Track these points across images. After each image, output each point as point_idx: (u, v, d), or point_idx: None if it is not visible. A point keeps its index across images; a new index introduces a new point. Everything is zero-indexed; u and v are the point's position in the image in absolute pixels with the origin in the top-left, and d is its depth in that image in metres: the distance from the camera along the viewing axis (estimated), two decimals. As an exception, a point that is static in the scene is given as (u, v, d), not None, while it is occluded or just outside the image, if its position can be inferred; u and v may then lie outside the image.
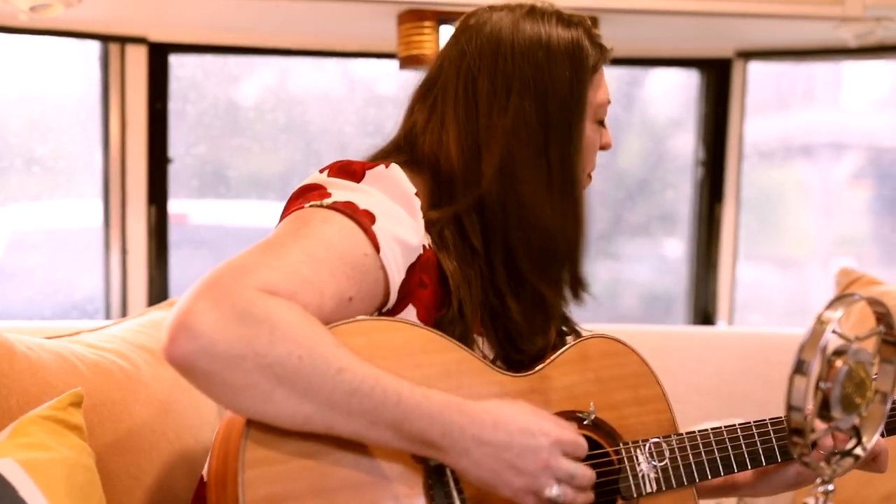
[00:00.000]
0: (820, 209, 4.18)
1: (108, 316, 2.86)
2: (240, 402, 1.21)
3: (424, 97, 1.56)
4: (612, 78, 3.32)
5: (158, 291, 2.83)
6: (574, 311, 1.63)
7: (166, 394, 1.82)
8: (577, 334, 1.64)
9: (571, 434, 1.34)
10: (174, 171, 2.95)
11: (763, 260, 4.15)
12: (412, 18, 2.41)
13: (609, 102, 1.59)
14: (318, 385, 1.20)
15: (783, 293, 4.07)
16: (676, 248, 3.44)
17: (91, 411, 1.64)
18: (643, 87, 3.51)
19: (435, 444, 1.26)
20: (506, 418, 1.29)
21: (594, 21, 2.47)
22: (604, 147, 1.61)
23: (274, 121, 3.23)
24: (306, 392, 1.20)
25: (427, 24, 2.39)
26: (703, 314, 3.09)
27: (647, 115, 3.58)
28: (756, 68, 3.26)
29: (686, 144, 3.25)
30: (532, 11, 1.55)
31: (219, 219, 3.35)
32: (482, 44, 1.53)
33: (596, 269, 3.63)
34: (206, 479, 1.41)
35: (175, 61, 2.91)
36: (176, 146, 2.96)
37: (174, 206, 2.97)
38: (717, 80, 3.01)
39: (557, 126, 1.49)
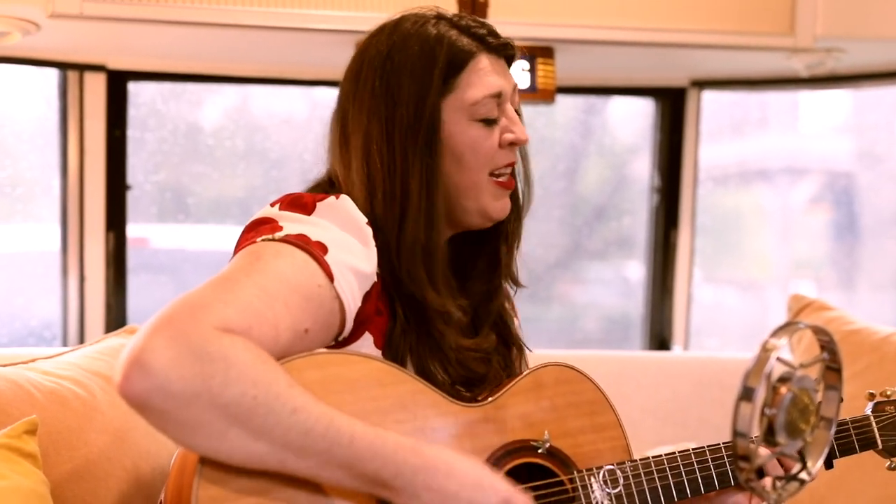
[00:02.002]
0: (779, 233, 4.23)
1: (65, 343, 2.84)
2: (193, 441, 1.21)
3: (329, 125, 1.58)
4: (569, 107, 3.38)
5: (116, 318, 2.82)
6: (532, 334, 1.64)
7: (122, 421, 1.81)
8: (521, 351, 1.65)
9: (522, 497, 1.34)
10: (135, 197, 2.95)
11: (723, 284, 4.19)
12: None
13: (497, 95, 1.51)
14: (272, 425, 1.20)
15: (743, 316, 4.11)
16: (636, 272, 3.47)
17: (46, 439, 1.64)
18: (604, 114, 3.54)
19: (387, 484, 1.26)
20: (459, 470, 1.30)
21: (548, 51, 2.51)
22: (512, 143, 1.54)
23: (234, 146, 3.23)
24: (260, 432, 1.20)
25: (384, 52, 2.40)
26: (660, 339, 3.12)
27: (607, 141, 3.61)
28: (716, 96, 3.30)
29: (645, 170, 3.29)
30: (404, 19, 1.53)
31: (179, 243, 3.35)
32: (352, 66, 1.54)
33: (556, 293, 3.66)
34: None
35: (135, 87, 2.92)
36: (137, 172, 2.96)
37: (134, 230, 2.97)
38: (672, 108, 3.05)
39: (400, 133, 1.47)
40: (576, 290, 3.76)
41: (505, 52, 1.55)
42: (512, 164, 1.56)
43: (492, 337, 1.58)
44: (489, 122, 1.51)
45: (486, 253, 1.62)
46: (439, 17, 1.53)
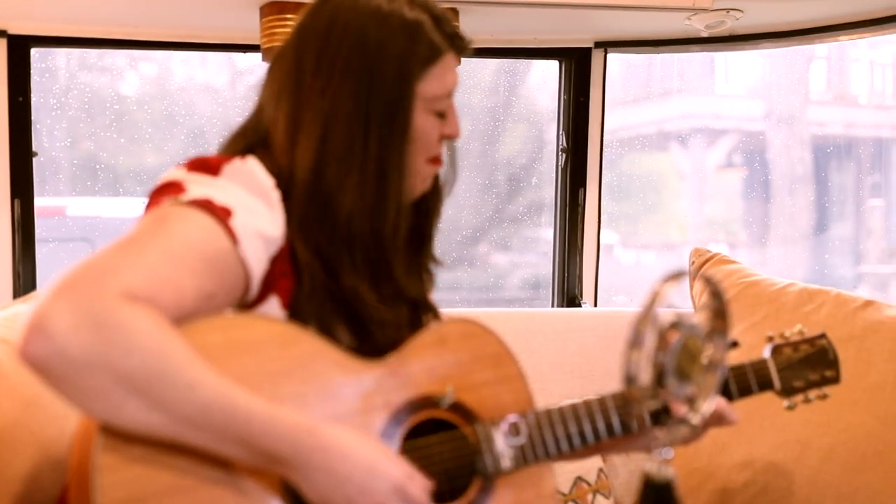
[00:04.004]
0: (695, 195, 4.31)
1: (-27, 312, 2.81)
2: (91, 407, 1.21)
3: (269, 74, 1.57)
4: (485, 67, 3.39)
5: (24, 285, 2.79)
6: (453, 298, 1.67)
7: (29, 387, 1.80)
8: (438, 317, 1.67)
9: (417, 488, 1.36)
10: (47, 166, 2.91)
11: (641, 246, 4.27)
12: (274, 10, 2.41)
13: (450, 95, 1.57)
14: (170, 398, 1.21)
15: (657, 277, 4.19)
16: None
17: (-51, 406, 1.63)
18: (524, 78, 3.57)
19: (282, 461, 1.28)
20: (354, 453, 1.32)
21: (454, 12, 2.51)
22: (449, 137, 1.59)
23: (152, 113, 3.21)
24: (157, 403, 1.21)
25: (289, 15, 2.38)
26: (570, 297, 3.16)
27: (526, 105, 3.63)
28: (630, 58, 3.33)
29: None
30: None
31: (95, 211, 3.32)
32: (318, 20, 1.52)
33: (475, 257, 3.70)
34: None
35: (47, 53, 2.87)
36: (49, 140, 2.93)
37: (50, 200, 2.94)
38: (578, 69, 3.08)
39: (376, 114, 1.48)
40: (496, 254, 3.80)
41: (464, 54, 1.60)
42: (440, 154, 1.60)
43: (403, 310, 1.60)
44: (440, 116, 1.56)
45: (413, 230, 1.63)
46: (412, 0, 1.53)
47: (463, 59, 2.50)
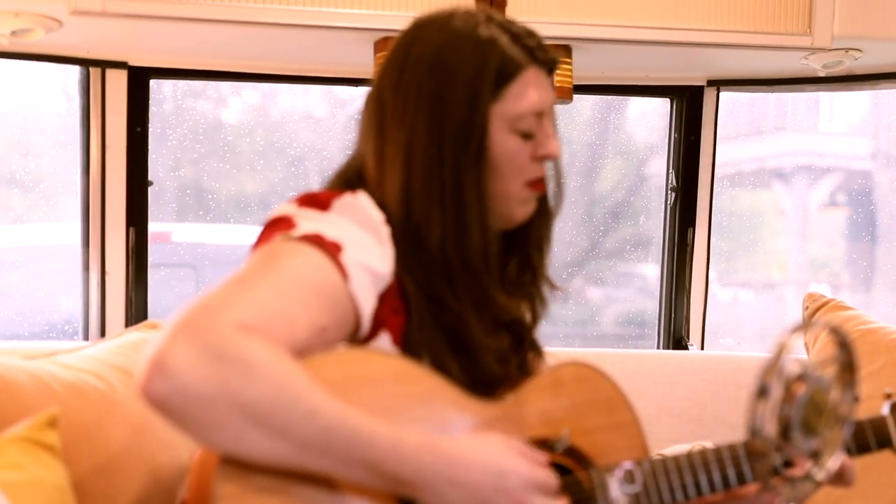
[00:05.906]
0: (796, 233, 4.23)
1: (86, 337, 2.86)
2: (213, 440, 1.22)
3: (362, 110, 1.56)
4: (584, 101, 3.38)
5: (137, 313, 2.84)
6: (549, 332, 1.64)
7: (142, 414, 1.82)
8: (540, 354, 1.65)
9: (543, 473, 1.35)
10: (156, 194, 2.97)
11: (741, 284, 4.20)
12: (388, 46, 2.44)
13: (538, 113, 1.50)
14: (292, 425, 1.21)
15: (760, 317, 4.12)
16: (653, 271, 3.47)
17: (67, 432, 1.64)
18: (623, 113, 3.54)
19: (408, 483, 1.27)
20: (479, 459, 1.31)
21: (566, 50, 2.51)
22: (544, 157, 1.53)
23: (255, 143, 3.26)
24: (280, 432, 1.21)
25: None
26: (676, 338, 3.12)
27: (626, 140, 3.61)
28: (734, 96, 3.29)
29: (663, 169, 3.28)
30: (455, 17, 1.50)
31: (200, 238, 3.38)
32: (397, 52, 1.52)
33: (573, 292, 3.67)
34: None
35: (157, 84, 2.93)
36: (159, 169, 2.98)
37: (156, 226, 2.99)
38: (689, 107, 3.05)
39: (449, 139, 1.45)
40: (592, 289, 3.77)
41: (550, 66, 1.55)
42: (542, 178, 1.56)
43: (505, 338, 1.58)
44: (527, 136, 1.51)
45: (518, 258, 1.62)
46: (490, 19, 1.51)
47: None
